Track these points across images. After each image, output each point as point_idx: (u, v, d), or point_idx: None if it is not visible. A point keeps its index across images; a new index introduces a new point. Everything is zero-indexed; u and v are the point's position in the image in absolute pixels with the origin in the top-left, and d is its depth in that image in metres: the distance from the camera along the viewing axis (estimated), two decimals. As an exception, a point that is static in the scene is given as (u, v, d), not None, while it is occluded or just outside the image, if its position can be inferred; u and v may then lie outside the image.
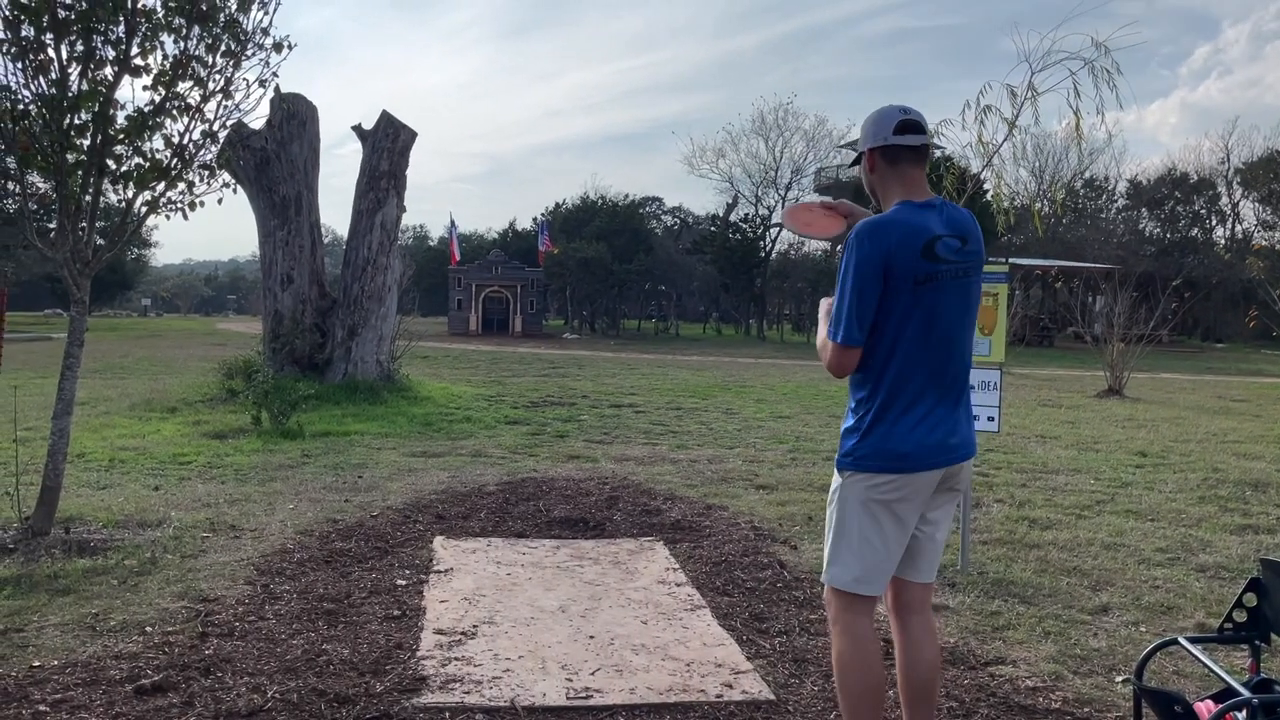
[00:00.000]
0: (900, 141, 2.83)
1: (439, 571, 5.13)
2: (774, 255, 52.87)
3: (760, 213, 52.83)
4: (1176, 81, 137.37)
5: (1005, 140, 7.26)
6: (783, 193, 53.13)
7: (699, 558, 5.54)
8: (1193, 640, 2.75)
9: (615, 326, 52.11)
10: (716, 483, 7.82)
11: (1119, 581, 5.26)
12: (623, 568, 5.33)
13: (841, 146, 57.04)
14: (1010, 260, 38.10)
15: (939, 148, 8.65)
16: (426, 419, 11.44)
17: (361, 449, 9.14)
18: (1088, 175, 57.81)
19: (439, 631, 4.21)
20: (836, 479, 2.91)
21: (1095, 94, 6.71)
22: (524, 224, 70.03)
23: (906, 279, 2.70)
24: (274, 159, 13.67)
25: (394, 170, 14.36)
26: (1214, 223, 57.95)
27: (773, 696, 3.64)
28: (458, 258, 50.36)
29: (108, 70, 5.27)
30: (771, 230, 52.34)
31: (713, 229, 53.20)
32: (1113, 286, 19.78)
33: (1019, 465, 9.05)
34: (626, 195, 61.60)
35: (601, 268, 48.06)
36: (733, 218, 52.48)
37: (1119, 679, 3.87)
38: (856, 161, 3.01)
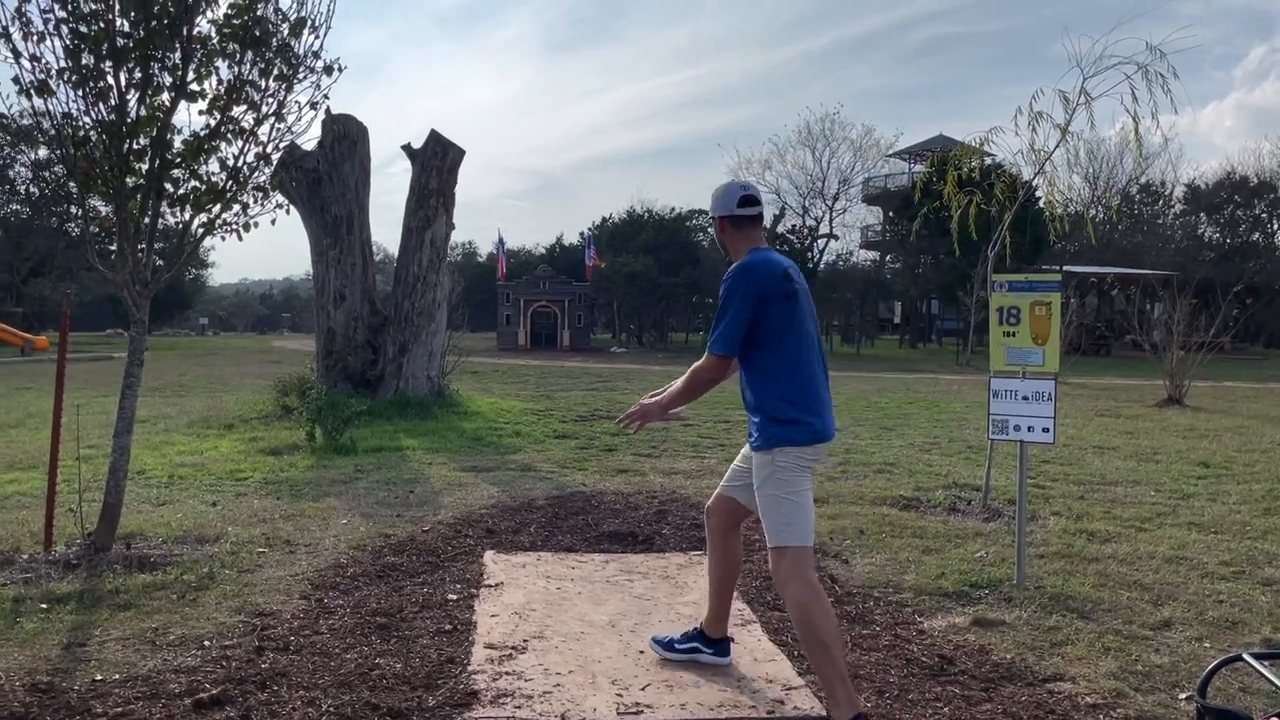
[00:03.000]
0: (742, 213, 3.72)
1: (489, 586, 5.16)
2: (822, 266, 52.58)
3: (808, 224, 52.60)
4: (1232, 83, 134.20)
5: (1058, 146, 7.18)
6: (830, 203, 52.85)
7: (749, 572, 5.51)
8: (1258, 656, 2.67)
9: (663, 339, 52.14)
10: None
11: (1181, 596, 5.14)
12: (672, 582, 5.32)
13: (889, 156, 56.71)
14: (1064, 268, 37.49)
15: (990, 155, 8.57)
16: (476, 434, 11.53)
17: (413, 464, 9.23)
18: (1144, 180, 56.78)
19: (490, 646, 4.24)
20: (767, 458, 3.57)
21: (1150, 98, 6.61)
22: (571, 239, 70.38)
23: (779, 298, 3.55)
24: (326, 179, 13.89)
25: (443, 188, 14.53)
26: (1276, 227, 56.54)
27: (825, 713, 3.60)
28: (505, 273, 50.78)
29: (165, 96, 5.40)
30: (819, 241, 52.06)
31: (761, 241, 53.01)
32: (1171, 293, 19.35)
33: (1076, 477, 8.89)
34: (673, 208, 61.61)
35: (648, 281, 48.12)
36: (780, 229, 52.26)
37: (1182, 696, 3.78)
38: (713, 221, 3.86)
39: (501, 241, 52.94)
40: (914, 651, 4.29)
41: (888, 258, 59.67)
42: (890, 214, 54.00)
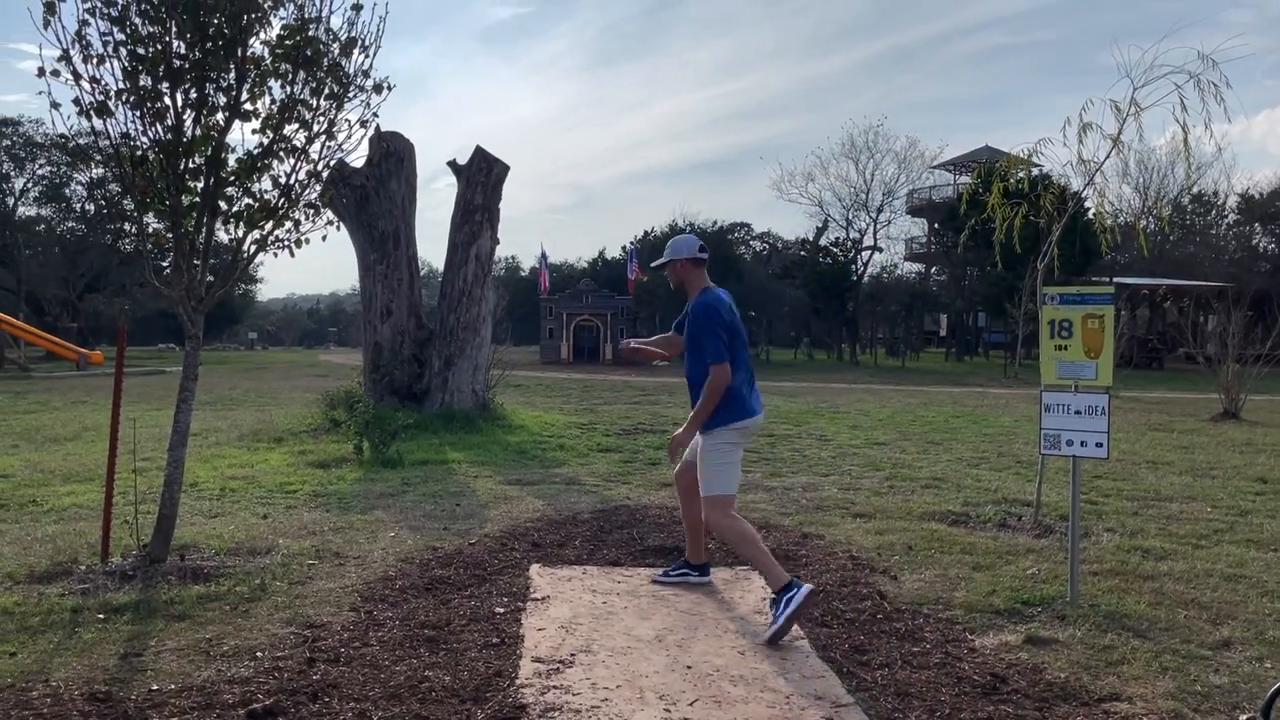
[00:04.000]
0: (700, 255, 5.18)
1: (536, 599, 5.18)
2: (866, 278, 52.21)
3: (851, 236, 52.28)
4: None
5: (1108, 157, 7.09)
6: (874, 215, 52.48)
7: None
8: (1325, 678, 2.61)
9: (706, 353, 51.90)
10: (812, 511, 7.74)
11: (1241, 615, 5.03)
12: (718, 597, 5.30)
13: (934, 167, 56.28)
14: (1115, 280, 36.91)
15: (1037, 166, 8.47)
16: (521, 447, 11.60)
17: (459, 477, 9.30)
18: (1195, 190, 55.76)
19: (537, 659, 4.25)
20: (709, 437, 4.97)
21: (1202, 107, 6.51)
22: (613, 252, 70.53)
23: (735, 322, 5.04)
24: (373, 195, 14.08)
25: (488, 203, 14.66)
26: (1334, 236, 55.16)
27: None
28: (548, 287, 51.02)
29: (219, 116, 5.51)
30: (863, 253, 51.69)
31: (803, 253, 52.79)
32: (1225, 305, 18.99)
33: (1129, 493, 8.73)
34: (715, 222, 61.41)
35: (691, 295, 48.12)
36: (823, 242, 52.01)
37: (1243, 718, 3.69)
38: (660, 268, 5.22)
39: (544, 255, 53.07)
40: (965, 670, 4.24)
41: (933, 270, 59.11)
42: (935, 225, 53.53)
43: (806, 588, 4.61)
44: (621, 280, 53.07)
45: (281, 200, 5.75)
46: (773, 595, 4.71)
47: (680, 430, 5.00)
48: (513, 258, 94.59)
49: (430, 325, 14.70)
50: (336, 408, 13.03)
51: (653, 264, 5.58)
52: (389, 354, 14.09)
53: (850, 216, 53.13)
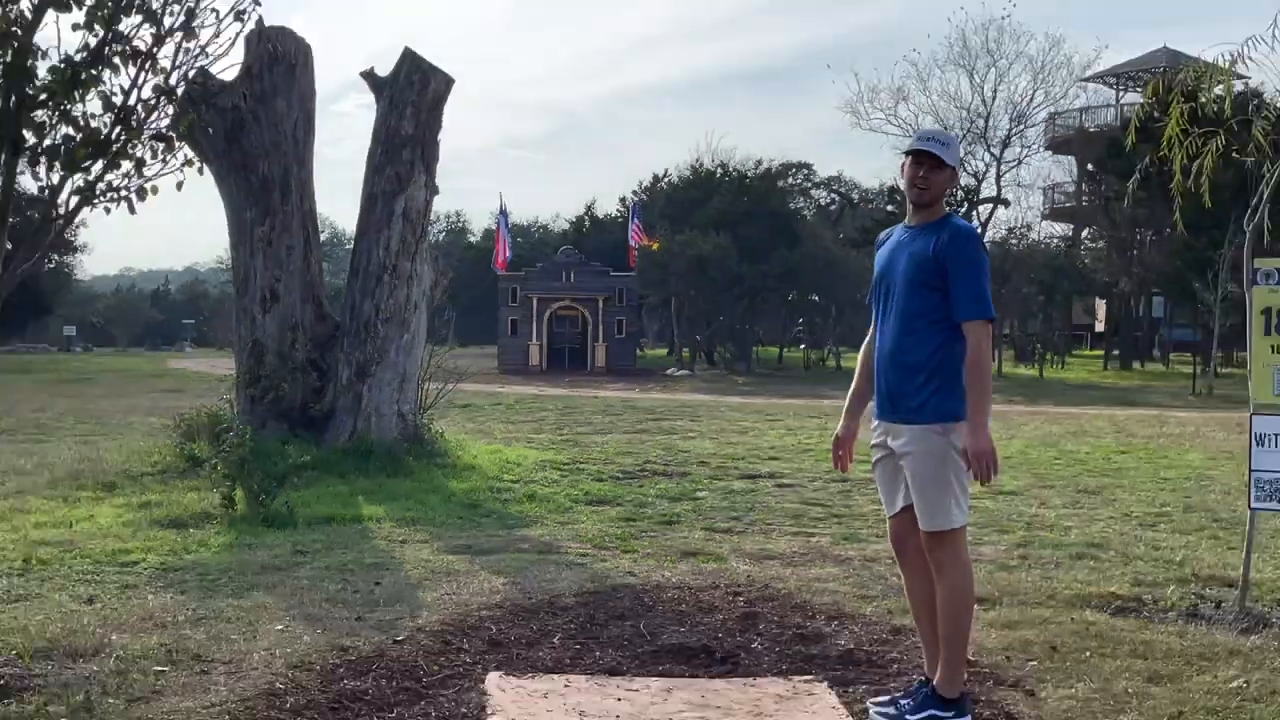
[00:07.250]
0: None
1: (496, 726, 5.18)
2: (986, 245, 52.19)
3: (963, 183, 52.28)
4: None
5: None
6: (997, 151, 52.52)
7: (884, 708, 5.47)
8: None
9: (746, 357, 52.06)
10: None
11: None
12: (769, 722, 5.29)
13: (1087, 80, 56.37)
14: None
15: (1242, 78, 8.46)
16: (472, 498, 11.62)
17: (379, 542, 9.31)
18: None
19: (498, 816, 4.24)
20: (940, 432, 4.93)
21: None
22: (607, 207, 70.76)
23: None
24: (251, 123, 14.05)
25: (422, 134, 14.63)
26: None
27: None
28: (508, 259, 50.95)
29: (24, 3, 5.49)
30: (980, 208, 51.69)
31: (890, 209, 52.84)
32: None
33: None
34: (759, 162, 61.70)
35: (724, 270, 48.18)
36: (921, 191, 51.93)
37: None
38: (935, 168, 5.08)
39: (503, 213, 53.11)
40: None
41: (1085, 233, 59.22)
42: (1089, 167, 53.55)
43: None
44: (620, 249, 53.14)
45: (117, 129, 5.73)
46: (927, 692, 5.16)
47: (972, 436, 4.84)
48: (458, 215, 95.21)
49: (336, 316, 14.69)
50: (195, 439, 13.03)
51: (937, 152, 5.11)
52: (275, 359, 14.07)
53: (963, 152, 53.14)
